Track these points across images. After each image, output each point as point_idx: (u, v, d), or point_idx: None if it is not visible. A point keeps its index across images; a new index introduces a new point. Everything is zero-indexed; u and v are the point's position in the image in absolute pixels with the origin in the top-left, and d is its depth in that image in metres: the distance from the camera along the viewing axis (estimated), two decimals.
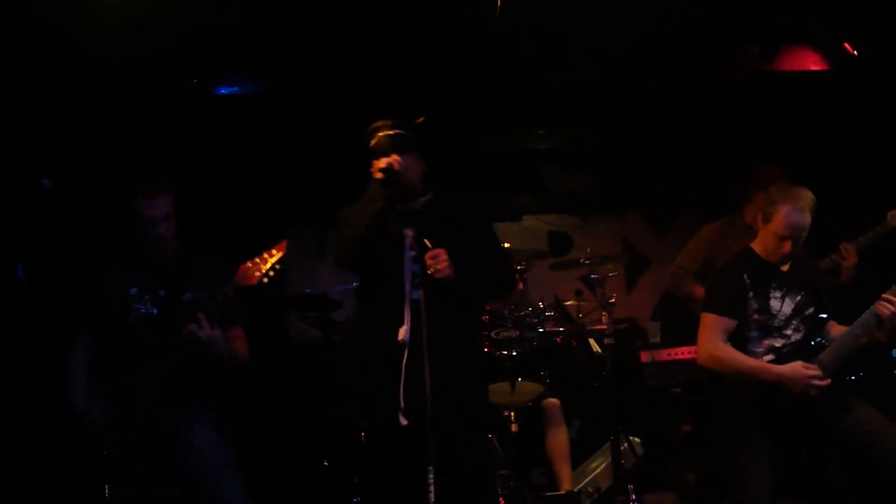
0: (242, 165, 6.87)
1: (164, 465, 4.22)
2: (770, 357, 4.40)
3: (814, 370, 4.23)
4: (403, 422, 3.84)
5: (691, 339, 6.24)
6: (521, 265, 6.19)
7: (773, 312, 4.42)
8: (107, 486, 4.13)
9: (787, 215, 4.37)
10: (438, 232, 4.08)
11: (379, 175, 4.07)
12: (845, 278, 5.52)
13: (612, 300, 6.07)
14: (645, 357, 6.76)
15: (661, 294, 8.03)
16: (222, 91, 6.47)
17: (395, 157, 4.09)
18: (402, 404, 3.85)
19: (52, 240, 5.17)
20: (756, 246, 4.58)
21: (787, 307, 4.43)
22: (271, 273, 4.15)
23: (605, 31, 6.26)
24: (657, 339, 7.16)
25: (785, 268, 4.52)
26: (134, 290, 4.38)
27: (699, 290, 5.67)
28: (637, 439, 6.32)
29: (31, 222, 4.09)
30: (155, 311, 4.38)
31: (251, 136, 6.76)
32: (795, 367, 4.24)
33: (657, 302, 8.18)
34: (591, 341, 6.38)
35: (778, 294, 4.44)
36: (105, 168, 6.06)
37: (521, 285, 6.11)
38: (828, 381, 4.23)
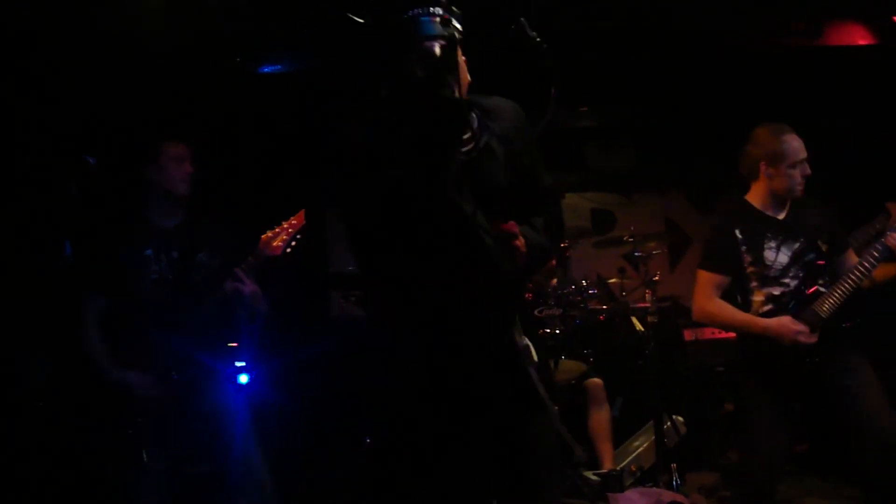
0: (286, 143, 6.89)
1: (189, 433, 4.30)
2: (770, 307, 4.41)
3: (800, 325, 4.27)
4: None
5: None
6: (564, 243, 6.18)
7: (768, 263, 4.43)
8: (144, 451, 4.17)
9: (796, 143, 4.47)
10: (492, 182, 2.84)
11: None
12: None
13: (656, 278, 6.05)
14: (688, 335, 6.75)
15: None
16: (265, 69, 6.49)
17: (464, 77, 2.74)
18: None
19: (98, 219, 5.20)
20: (751, 198, 4.62)
21: (784, 256, 4.43)
22: (293, 243, 4.26)
23: (648, 8, 6.21)
24: None
25: (781, 216, 4.53)
26: (149, 252, 4.37)
27: None
28: (680, 418, 6.30)
29: (78, 201, 4.13)
30: (170, 272, 4.38)
31: (294, 113, 6.77)
32: (782, 321, 4.30)
33: None
34: (634, 319, 6.36)
35: (773, 244, 4.45)
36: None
37: (554, 262, 6.09)
38: (814, 339, 4.27)
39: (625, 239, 6.31)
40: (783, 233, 4.47)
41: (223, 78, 6.35)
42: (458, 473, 2.86)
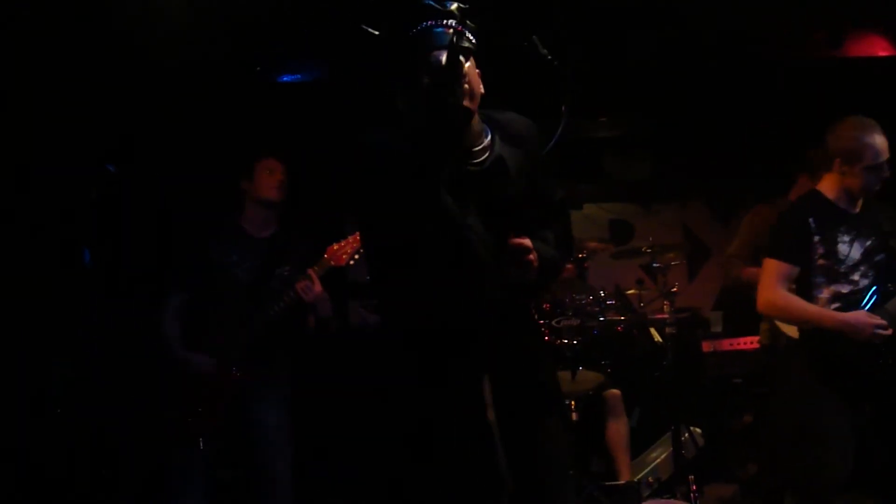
0: (309, 151, 6.90)
1: (233, 434, 4.52)
2: (837, 305, 4.17)
3: (878, 319, 4.05)
4: None
5: (753, 329, 6.25)
6: (581, 254, 6.16)
7: (841, 257, 4.18)
8: (201, 439, 4.42)
9: (879, 143, 4.20)
10: (505, 199, 2.89)
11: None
12: None
13: (674, 289, 6.02)
14: (706, 347, 6.73)
15: (723, 284, 7.95)
16: (285, 79, 6.51)
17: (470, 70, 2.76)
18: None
19: (118, 226, 5.26)
20: (824, 189, 4.35)
21: (856, 252, 4.20)
22: (356, 256, 4.51)
23: (667, 18, 6.20)
24: (719, 329, 7.12)
25: (855, 210, 4.29)
26: (234, 257, 4.66)
27: (746, 272, 5.59)
28: (698, 430, 6.27)
29: (98, 208, 4.20)
30: (248, 276, 4.65)
31: (315, 122, 6.78)
32: (859, 316, 4.07)
33: (719, 291, 8.11)
34: (653, 330, 6.34)
35: (846, 238, 4.20)
36: (172, 153, 6.13)
37: (572, 269, 6.08)
38: (890, 331, 4.05)
39: (643, 250, 6.29)
40: (857, 227, 4.23)
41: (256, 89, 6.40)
42: (466, 474, 2.86)
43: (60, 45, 5.35)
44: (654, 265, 6.23)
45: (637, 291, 6.81)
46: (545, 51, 2.92)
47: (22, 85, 5.41)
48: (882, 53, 6.64)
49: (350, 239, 4.53)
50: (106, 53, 5.47)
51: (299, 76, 6.51)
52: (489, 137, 2.90)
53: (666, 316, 5.95)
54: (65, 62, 5.44)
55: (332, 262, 4.52)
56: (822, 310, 4.17)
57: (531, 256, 2.81)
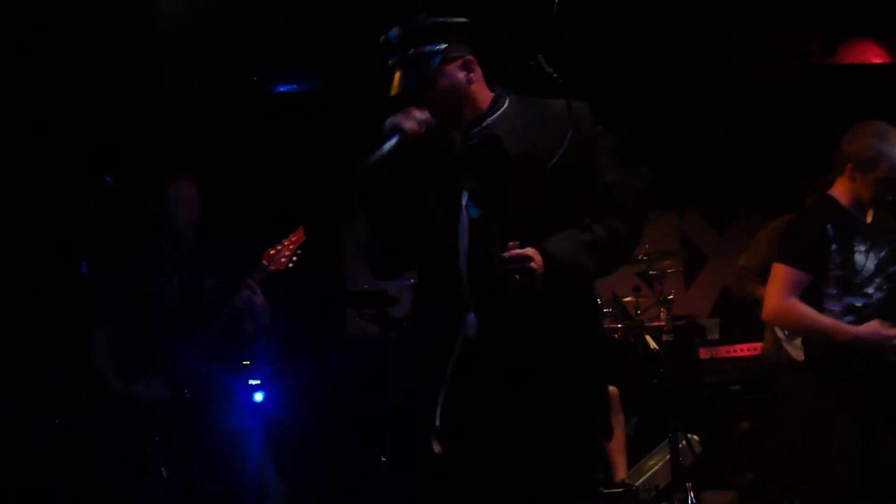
0: (301, 161, 6.92)
1: (204, 453, 4.39)
2: (849, 318, 3.92)
3: (893, 331, 3.82)
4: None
5: (750, 336, 6.26)
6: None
7: (857, 268, 3.94)
8: (164, 468, 4.27)
9: (892, 150, 3.93)
10: (497, 181, 2.84)
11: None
12: None
13: (671, 296, 6.03)
14: (703, 354, 6.73)
15: (720, 290, 7.96)
16: (281, 89, 6.53)
17: (414, 116, 2.79)
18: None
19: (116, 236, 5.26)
20: (837, 194, 4.09)
21: (871, 263, 3.96)
22: (294, 258, 4.41)
23: (664, 27, 6.23)
24: (716, 336, 7.12)
25: (869, 219, 4.06)
26: (160, 277, 4.50)
27: (760, 291, 5.56)
28: (695, 437, 6.27)
29: (95, 219, 4.19)
30: (179, 297, 4.50)
31: (310, 132, 6.80)
32: (874, 328, 3.82)
33: (716, 298, 8.11)
34: (649, 338, 6.35)
35: (862, 248, 3.96)
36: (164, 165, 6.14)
37: None
38: None
39: (640, 257, 6.29)
40: (872, 237, 4.00)
41: (239, 97, 6.40)
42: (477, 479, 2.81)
43: (59, 52, 5.37)
44: (651, 272, 6.24)
45: (634, 299, 6.82)
46: (551, 69, 2.92)
47: (20, 91, 5.43)
48: (876, 60, 6.67)
49: (286, 242, 4.43)
50: (104, 61, 5.49)
51: (296, 86, 6.54)
52: (493, 117, 2.91)
53: (663, 323, 5.97)
54: (63, 69, 5.46)
55: (273, 267, 4.39)
56: (835, 322, 3.93)
57: (532, 265, 2.69)
